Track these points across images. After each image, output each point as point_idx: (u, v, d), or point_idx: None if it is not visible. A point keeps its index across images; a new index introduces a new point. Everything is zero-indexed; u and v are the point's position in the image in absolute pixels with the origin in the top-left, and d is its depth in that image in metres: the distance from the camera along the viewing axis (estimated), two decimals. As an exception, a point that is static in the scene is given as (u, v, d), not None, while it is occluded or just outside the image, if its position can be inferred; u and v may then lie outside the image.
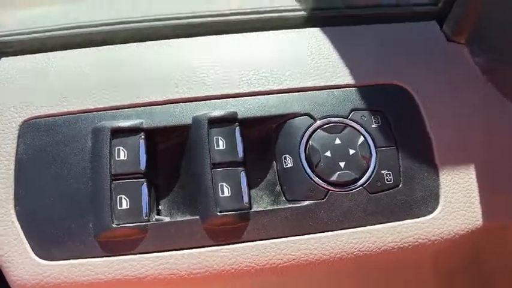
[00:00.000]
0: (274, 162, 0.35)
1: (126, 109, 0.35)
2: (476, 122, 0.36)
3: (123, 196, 0.33)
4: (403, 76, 0.37)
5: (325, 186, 0.33)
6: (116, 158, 0.33)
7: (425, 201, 0.34)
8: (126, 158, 0.33)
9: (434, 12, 0.41)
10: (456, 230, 0.33)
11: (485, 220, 0.33)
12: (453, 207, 0.33)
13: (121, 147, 0.34)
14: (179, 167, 0.35)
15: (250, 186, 0.34)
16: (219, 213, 0.32)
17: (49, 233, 0.32)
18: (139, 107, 0.35)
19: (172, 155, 0.35)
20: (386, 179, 0.34)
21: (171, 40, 0.38)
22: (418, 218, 0.33)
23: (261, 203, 0.34)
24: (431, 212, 0.33)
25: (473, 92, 0.37)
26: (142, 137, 0.34)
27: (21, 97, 0.35)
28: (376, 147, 0.34)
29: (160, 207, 0.35)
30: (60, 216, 0.32)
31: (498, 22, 0.36)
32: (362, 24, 0.40)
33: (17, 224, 0.32)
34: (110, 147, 0.33)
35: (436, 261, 0.34)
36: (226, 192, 0.33)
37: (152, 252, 0.32)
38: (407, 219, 0.33)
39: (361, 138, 0.34)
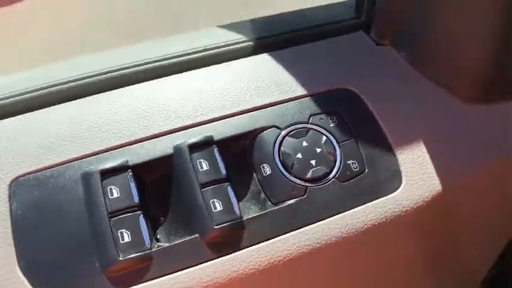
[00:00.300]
0: (254, 173, 0.39)
1: (110, 151, 0.37)
2: (414, 104, 0.42)
3: (123, 230, 0.35)
4: (347, 79, 0.42)
5: (303, 184, 0.37)
6: (110, 197, 0.35)
7: (390, 180, 0.38)
8: (119, 195, 0.36)
9: (360, 24, 0.48)
10: (422, 198, 0.38)
11: (443, 185, 0.39)
12: (414, 180, 0.39)
13: (112, 186, 0.36)
14: (169, 195, 0.38)
15: (238, 199, 0.37)
16: (215, 227, 0.35)
17: (57, 281, 0.33)
18: (122, 147, 0.38)
19: (160, 185, 0.38)
20: (353, 167, 0.38)
21: (142, 84, 0.41)
22: (387, 195, 0.38)
23: (250, 212, 0.37)
24: (397, 188, 0.38)
25: (405, 81, 0.43)
26: (130, 173, 0.36)
27: (4, 159, 0.37)
28: (338, 143, 0.39)
29: (158, 236, 0.37)
30: (66, 262, 0.34)
31: (410, 25, 0.43)
32: (302, 44, 0.46)
33: (23, 278, 0.33)
34: (102, 188, 0.36)
35: (411, 227, 0.39)
36: (218, 207, 0.36)
37: (161, 277, 0.34)
38: (379, 198, 0.38)
39: (324, 137, 0.39)
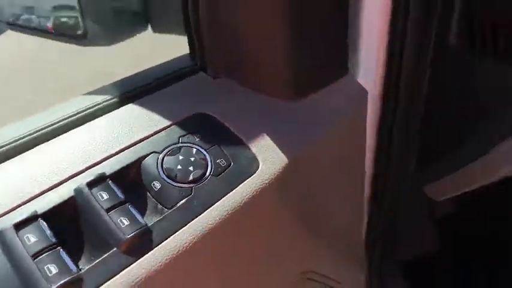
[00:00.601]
0: (148, 192, 0.48)
1: (17, 209, 0.43)
2: (251, 110, 0.56)
3: (48, 265, 0.40)
4: (199, 107, 0.55)
5: (188, 186, 0.47)
6: (28, 243, 0.41)
7: (251, 165, 0.51)
8: (36, 239, 0.41)
9: (199, 67, 0.61)
10: (276, 171, 0.51)
11: (288, 158, 0.52)
12: (267, 160, 0.51)
13: (28, 235, 0.41)
14: (82, 230, 0.44)
15: (141, 215, 0.45)
16: (128, 236, 0.42)
17: None
18: (28, 202, 0.43)
19: (71, 224, 0.44)
20: (222, 164, 0.50)
21: (33, 149, 0.48)
22: (252, 176, 0.50)
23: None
24: (257, 169, 0.51)
25: (242, 96, 0.57)
26: (41, 220, 0.42)
27: None
28: (206, 150, 0.51)
29: (80, 267, 0.43)
30: None
31: (232, 60, 0.58)
32: (159, 90, 0.58)
33: None
34: (19, 238, 0.41)
35: (278, 195, 0.51)
36: (126, 222, 0.43)
37: None
38: (246, 179, 0.49)
39: (194, 149, 0.50)
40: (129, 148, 0.49)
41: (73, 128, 0.51)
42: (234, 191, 0.48)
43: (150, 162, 0.49)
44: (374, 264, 1.03)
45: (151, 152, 0.49)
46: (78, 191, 0.45)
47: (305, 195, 0.58)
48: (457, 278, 1.38)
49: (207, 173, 0.49)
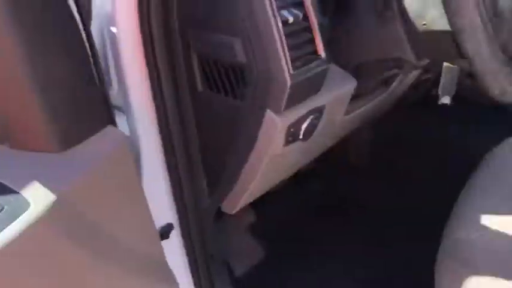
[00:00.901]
0: None
1: None
2: (22, 165, 0.69)
3: None
4: None
5: None
6: None
7: (22, 205, 0.62)
8: None
9: None
10: (46, 206, 0.65)
11: (55, 196, 0.67)
12: (37, 198, 0.65)
13: None
14: None
15: None
16: None
17: None
18: None
19: None
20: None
21: None
22: (24, 213, 0.63)
23: None
24: (29, 207, 0.64)
25: (14, 156, 0.71)
26: None
27: None
28: None
29: None
30: None
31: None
32: None
33: None
34: None
35: (49, 225, 0.65)
36: None
37: None
38: (20, 216, 0.63)
39: None
40: None
41: None
42: (8, 227, 0.61)
43: None
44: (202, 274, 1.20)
45: None
46: None
47: (83, 226, 0.73)
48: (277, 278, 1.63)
49: None
